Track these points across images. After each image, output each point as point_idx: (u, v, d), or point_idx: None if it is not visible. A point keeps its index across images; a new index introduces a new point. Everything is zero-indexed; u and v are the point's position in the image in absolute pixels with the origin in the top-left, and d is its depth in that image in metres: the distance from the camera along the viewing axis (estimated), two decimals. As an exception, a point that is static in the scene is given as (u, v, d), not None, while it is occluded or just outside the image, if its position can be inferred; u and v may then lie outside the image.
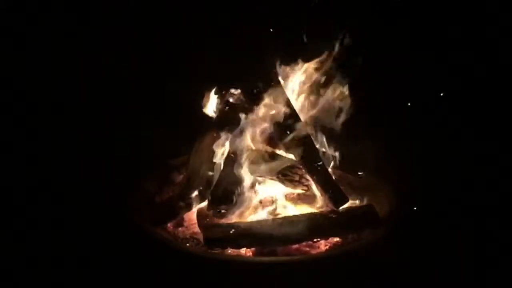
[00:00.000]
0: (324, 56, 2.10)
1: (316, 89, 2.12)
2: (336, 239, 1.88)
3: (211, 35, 2.68)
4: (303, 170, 2.01)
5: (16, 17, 2.68)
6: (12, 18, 2.65)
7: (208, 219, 1.92)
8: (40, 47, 2.81)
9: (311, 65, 2.12)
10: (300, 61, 2.12)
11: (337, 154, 2.20)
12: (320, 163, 1.99)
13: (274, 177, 1.99)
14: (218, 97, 2.15)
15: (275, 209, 2.00)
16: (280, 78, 2.10)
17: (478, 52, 2.66)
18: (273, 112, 2.00)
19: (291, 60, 2.13)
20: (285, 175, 2.00)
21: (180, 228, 1.98)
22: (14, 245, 1.90)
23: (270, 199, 2.03)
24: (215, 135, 2.08)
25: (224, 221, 1.91)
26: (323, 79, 2.10)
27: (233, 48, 2.45)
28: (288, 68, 2.13)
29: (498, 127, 2.68)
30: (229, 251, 1.78)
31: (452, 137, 2.65)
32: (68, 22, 2.84)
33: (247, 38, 2.37)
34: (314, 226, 1.85)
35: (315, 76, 2.11)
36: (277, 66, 2.11)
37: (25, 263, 1.81)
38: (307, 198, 2.06)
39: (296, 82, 2.15)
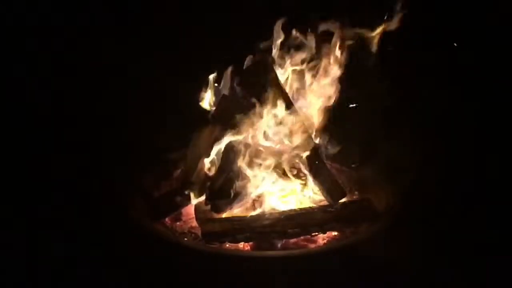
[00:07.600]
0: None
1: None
2: (334, 233, 1.89)
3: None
4: (301, 164, 2.01)
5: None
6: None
7: (205, 214, 1.92)
8: (39, 45, 2.81)
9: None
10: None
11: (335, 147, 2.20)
12: (318, 157, 1.99)
13: (272, 171, 1.99)
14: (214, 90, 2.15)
15: (273, 204, 2.00)
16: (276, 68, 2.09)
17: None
18: (273, 108, 1.99)
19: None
20: (283, 169, 2.00)
21: (178, 223, 1.98)
22: (12, 243, 1.90)
23: (268, 193, 2.03)
24: (212, 129, 2.07)
25: (221, 215, 1.92)
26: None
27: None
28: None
29: (498, 125, 2.68)
30: (227, 245, 1.78)
31: (452, 133, 2.65)
32: (67, 20, 2.84)
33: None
34: (312, 220, 1.85)
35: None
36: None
37: (24, 261, 1.82)
38: (305, 192, 2.07)
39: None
